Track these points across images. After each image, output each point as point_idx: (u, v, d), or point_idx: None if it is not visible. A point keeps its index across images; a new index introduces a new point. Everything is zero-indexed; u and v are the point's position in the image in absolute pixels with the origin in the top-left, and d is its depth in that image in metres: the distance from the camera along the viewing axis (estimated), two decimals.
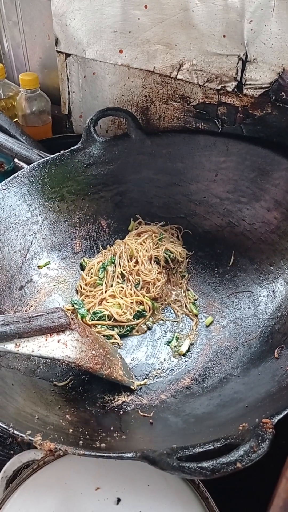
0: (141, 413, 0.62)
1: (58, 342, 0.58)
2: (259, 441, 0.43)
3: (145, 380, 0.70)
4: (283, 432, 0.51)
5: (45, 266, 0.82)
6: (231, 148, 0.85)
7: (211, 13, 0.77)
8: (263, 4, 0.73)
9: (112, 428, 0.57)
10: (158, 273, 0.82)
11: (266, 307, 0.75)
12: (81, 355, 0.60)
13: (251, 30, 0.76)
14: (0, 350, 0.54)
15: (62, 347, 0.58)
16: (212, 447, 0.45)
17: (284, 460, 0.56)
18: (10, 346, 0.54)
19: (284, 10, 0.71)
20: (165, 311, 0.81)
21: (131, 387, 0.67)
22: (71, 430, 0.53)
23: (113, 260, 0.83)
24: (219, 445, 0.45)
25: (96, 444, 0.50)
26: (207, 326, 0.78)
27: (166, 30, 0.83)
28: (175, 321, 0.79)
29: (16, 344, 0.55)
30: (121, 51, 0.89)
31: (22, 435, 0.47)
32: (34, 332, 0.56)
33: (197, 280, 0.84)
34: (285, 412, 0.47)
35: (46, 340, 0.57)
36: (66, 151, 0.86)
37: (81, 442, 0.49)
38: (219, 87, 0.84)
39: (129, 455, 0.45)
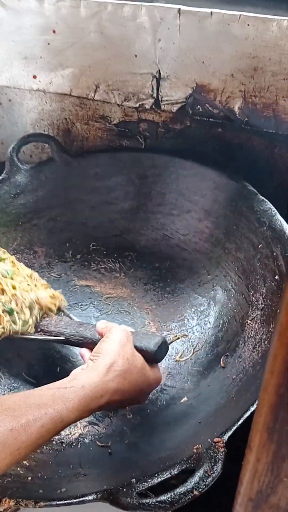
0: (99, 443, 0.62)
1: None
2: (213, 464, 0.44)
3: None
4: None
5: None
6: (157, 163, 0.86)
7: (120, 34, 0.78)
8: (169, 23, 0.74)
9: (71, 466, 0.57)
10: None
11: (208, 316, 0.77)
12: None
13: (161, 48, 0.77)
14: None
15: None
16: (169, 475, 0.46)
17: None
18: None
19: (189, 28, 0.73)
20: None
21: None
22: (29, 478, 0.53)
23: None
24: (176, 472, 0.46)
25: (56, 489, 0.50)
26: None
27: (78, 53, 0.82)
28: None
29: None
30: (34, 77, 0.88)
31: None
32: None
33: (140, 298, 0.85)
34: (234, 428, 0.49)
35: None
36: None
37: (41, 490, 0.49)
38: (137, 105, 0.85)
39: (90, 498, 0.45)
